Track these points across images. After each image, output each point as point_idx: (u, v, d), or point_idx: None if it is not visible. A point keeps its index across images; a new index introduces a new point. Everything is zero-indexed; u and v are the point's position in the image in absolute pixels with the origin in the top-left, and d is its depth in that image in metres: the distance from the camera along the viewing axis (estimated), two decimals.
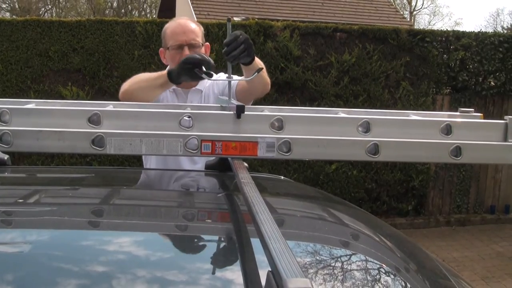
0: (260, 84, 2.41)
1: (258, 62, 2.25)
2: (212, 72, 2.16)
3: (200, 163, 2.34)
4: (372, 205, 7.13)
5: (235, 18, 9.95)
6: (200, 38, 2.54)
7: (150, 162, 2.60)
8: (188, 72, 2.18)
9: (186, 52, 2.45)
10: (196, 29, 2.54)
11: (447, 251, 6.35)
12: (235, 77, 2.06)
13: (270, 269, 0.83)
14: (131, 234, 1.24)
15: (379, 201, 7.21)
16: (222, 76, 2.58)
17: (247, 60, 2.14)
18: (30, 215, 1.30)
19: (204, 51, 2.56)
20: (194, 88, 2.58)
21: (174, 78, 2.27)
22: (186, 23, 2.56)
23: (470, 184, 7.64)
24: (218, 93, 2.54)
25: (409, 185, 7.26)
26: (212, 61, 2.19)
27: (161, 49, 2.64)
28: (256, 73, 2.07)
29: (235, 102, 1.76)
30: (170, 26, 2.58)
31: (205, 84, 2.58)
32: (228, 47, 2.00)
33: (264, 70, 2.37)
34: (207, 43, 2.63)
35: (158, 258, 1.10)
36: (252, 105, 2.32)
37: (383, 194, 7.20)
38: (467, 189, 7.63)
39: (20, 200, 1.42)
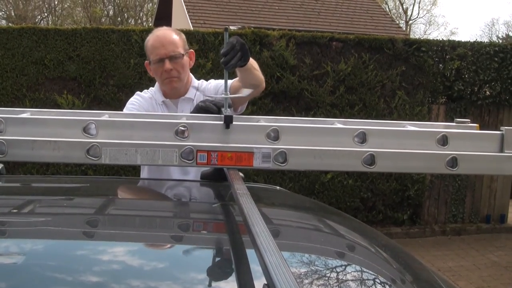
0: (254, 86, 2.38)
1: (251, 61, 2.24)
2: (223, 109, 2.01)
3: (192, 173, 2.32)
4: (367, 214, 7.13)
5: (231, 27, 9.98)
6: (181, 48, 2.47)
7: (144, 170, 2.59)
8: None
9: (167, 65, 2.41)
10: (175, 39, 2.48)
11: (443, 261, 6.35)
12: (228, 81, 2.03)
13: (265, 282, 0.82)
14: (126, 245, 1.23)
15: (374, 211, 7.20)
16: (212, 82, 2.58)
17: (243, 64, 2.13)
18: (25, 225, 1.29)
19: (188, 59, 2.53)
20: (183, 97, 2.54)
21: None
22: (164, 35, 2.49)
23: (466, 193, 7.66)
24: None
25: (405, 194, 7.26)
26: (221, 102, 2.02)
27: (146, 61, 2.58)
28: (252, 90, 2.06)
29: (224, 112, 1.76)
30: (150, 39, 2.52)
31: (194, 92, 2.56)
32: (226, 57, 1.99)
33: (257, 67, 2.36)
34: (191, 50, 2.58)
35: (153, 268, 1.10)
36: (248, 115, 2.32)
37: (379, 204, 7.20)
38: (462, 198, 7.64)
39: (14, 210, 1.42)
